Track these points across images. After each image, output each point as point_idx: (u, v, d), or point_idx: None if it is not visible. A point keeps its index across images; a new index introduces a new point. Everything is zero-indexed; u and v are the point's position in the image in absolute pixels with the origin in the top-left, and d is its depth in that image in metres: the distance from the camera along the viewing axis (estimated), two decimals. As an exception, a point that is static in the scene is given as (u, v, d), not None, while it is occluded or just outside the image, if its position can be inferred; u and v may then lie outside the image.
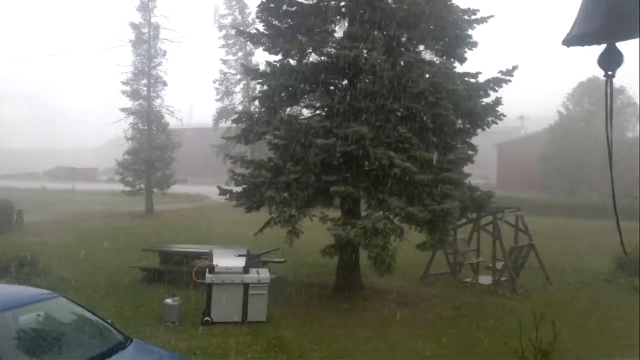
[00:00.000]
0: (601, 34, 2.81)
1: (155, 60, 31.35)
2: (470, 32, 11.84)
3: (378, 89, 10.58)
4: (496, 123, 11.89)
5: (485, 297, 12.27)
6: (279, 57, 12.30)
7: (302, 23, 11.72)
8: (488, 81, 11.59)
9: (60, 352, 5.56)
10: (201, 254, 12.39)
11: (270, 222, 11.79)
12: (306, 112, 12.63)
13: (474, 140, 12.21)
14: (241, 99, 38.57)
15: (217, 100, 38.14)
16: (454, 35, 11.70)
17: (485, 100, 11.73)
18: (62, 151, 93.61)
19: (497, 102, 11.66)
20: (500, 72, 11.50)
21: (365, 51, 10.84)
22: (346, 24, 11.98)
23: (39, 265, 11.65)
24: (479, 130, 12.03)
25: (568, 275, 14.52)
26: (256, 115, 12.55)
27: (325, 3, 12.14)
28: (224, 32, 37.83)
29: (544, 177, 39.21)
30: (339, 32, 12.21)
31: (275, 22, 12.21)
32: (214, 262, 10.02)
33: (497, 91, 11.65)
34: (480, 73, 11.61)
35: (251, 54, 36.98)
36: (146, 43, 31.08)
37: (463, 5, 11.65)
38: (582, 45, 3.00)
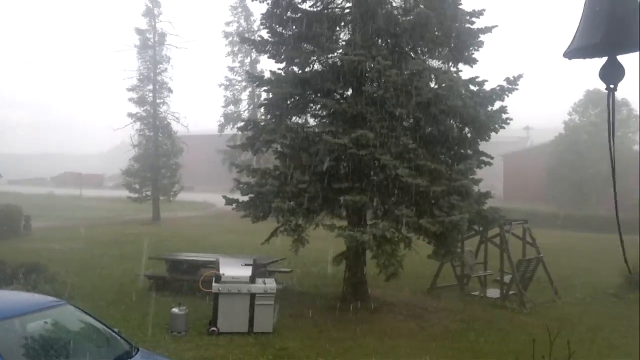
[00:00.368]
0: (602, 46, 2.82)
1: (161, 66, 31.53)
2: (477, 42, 11.80)
3: (383, 97, 10.57)
4: (503, 128, 11.73)
5: (493, 310, 12.17)
6: (284, 64, 12.33)
7: (306, 30, 11.73)
8: (493, 90, 11.54)
9: (67, 360, 5.55)
10: (208, 262, 12.39)
11: (277, 231, 11.79)
12: (312, 121, 12.61)
13: (482, 148, 12.11)
14: (247, 106, 38.65)
15: (223, 107, 38.22)
16: (460, 40, 11.66)
17: (490, 108, 11.64)
18: (68, 156, 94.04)
19: (502, 109, 11.58)
20: (506, 80, 11.45)
21: (370, 59, 10.84)
22: (350, 31, 12.00)
23: (46, 272, 11.65)
24: (484, 141, 11.95)
25: (576, 290, 14.40)
26: (262, 123, 12.56)
27: (329, 10, 12.20)
28: (229, 39, 37.96)
29: (551, 188, 39.05)
30: (343, 40, 12.24)
31: (280, 30, 12.25)
32: (221, 271, 10.00)
33: (502, 100, 11.59)
34: (486, 81, 11.55)
35: (257, 61, 37.09)
36: (151, 49, 31.27)
37: (468, 8, 11.66)
38: (583, 57, 3.01)
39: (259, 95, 33.76)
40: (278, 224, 11.68)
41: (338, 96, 11.92)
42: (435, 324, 10.84)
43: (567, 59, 3.09)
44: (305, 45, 11.98)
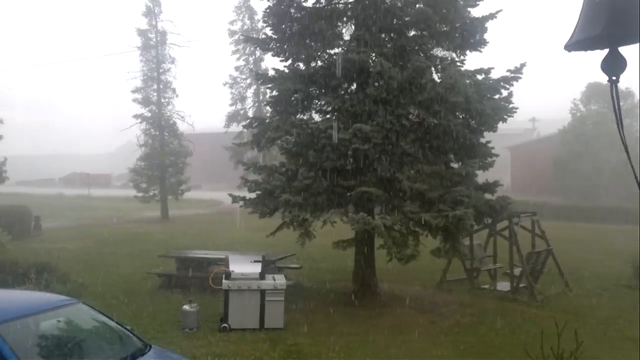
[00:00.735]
0: (603, 38, 2.81)
1: (164, 65, 31.58)
2: (481, 29, 11.74)
3: (385, 96, 10.56)
4: (511, 117, 11.66)
5: (503, 303, 12.13)
6: (288, 61, 12.32)
7: (309, 27, 11.72)
8: (498, 80, 11.47)
9: (80, 358, 5.59)
10: (217, 259, 12.44)
11: (283, 225, 11.81)
12: (317, 117, 12.60)
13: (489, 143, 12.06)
14: (252, 104, 38.69)
15: (230, 105, 38.29)
16: (462, 31, 11.60)
17: (498, 95, 11.55)
18: (76, 157, 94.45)
19: (507, 98, 11.47)
20: (509, 70, 11.37)
21: (373, 55, 10.82)
22: (353, 27, 11.98)
23: (58, 271, 11.74)
24: (490, 132, 11.88)
25: (587, 281, 14.33)
26: (267, 120, 12.58)
27: (332, 7, 12.16)
28: (234, 38, 37.97)
29: (559, 180, 38.85)
30: (346, 36, 12.22)
31: (283, 27, 12.24)
32: (230, 268, 10.03)
33: (508, 89, 11.51)
34: (493, 68, 11.46)
35: (261, 59, 37.07)
36: (154, 49, 31.31)
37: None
38: (584, 50, 3.02)
39: (264, 93, 33.80)
40: (284, 219, 11.69)
41: (342, 92, 11.90)
42: (446, 318, 10.83)
43: (567, 52, 3.09)
44: (308, 42, 11.97)
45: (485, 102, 11.02)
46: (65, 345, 5.74)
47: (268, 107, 13.61)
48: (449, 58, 11.78)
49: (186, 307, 9.73)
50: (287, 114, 12.06)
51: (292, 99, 11.91)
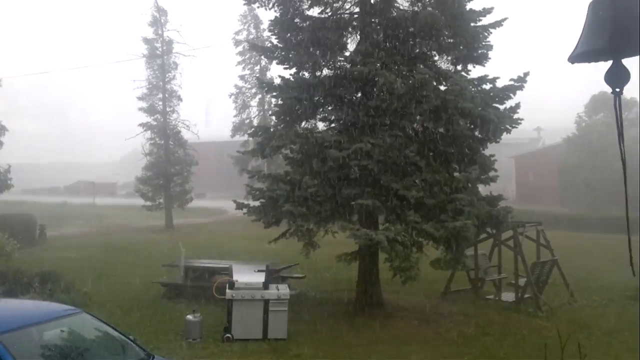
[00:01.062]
0: (607, 51, 2.84)
1: (169, 74, 31.76)
2: (486, 36, 11.76)
3: (391, 105, 10.58)
4: (515, 127, 11.67)
5: (508, 314, 12.06)
6: (293, 70, 12.37)
7: (314, 36, 11.77)
8: (502, 89, 11.48)
9: (83, 368, 5.59)
10: (221, 269, 12.44)
11: (286, 233, 11.80)
12: (321, 126, 12.63)
13: (491, 151, 12.05)
14: (257, 112, 38.84)
15: (234, 116, 38.46)
16: (470, 41, 11.63)
17: (501, 107, 11.57)
18: (81, 165, 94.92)
19: (512, 109, 11.50)
20: (513, 80, 11.38)
21: (378, 65, 10.84)
22: (358, 36, 12.03)
23: (62, 280, 11.75)
24: (496, 142, 11.87)
25: (593, 292, 14.23)
26: (272, 129, 12.61)
27: (337, 17, 12.22)
28: (239, 47, 38.17)
29: (564, 189, 38.74)
30: (352, 45, 12.27)
31: (288, 36, 12.30)
32: (234, 278, 10.02)
33: (512, 98, 11.52)
34: (498, 78, 11.48)
35: (266, 68, 37.24)
36: (159, 57, 31.51)
37: (477, 7, 11.62)
38: (588, 62, 3.05)
39: (269, 102, 33.90)
40: (289, 228, 11.69)
41: (347, 101, 11.93)
42: (450, 329, 10.77)
43: (570, 63, 3.12)
44: (313, 51, 12.01)
45: (491, 110, 11.03)
46: (68, 355, 5.73)
47: (273, 116, 13.62)
48: (453, 70, 11.79)
49: (190, 317, 9.72)
50: (291, 122, 12.09)
51: (297, 107, 11.94)
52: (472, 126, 11.23)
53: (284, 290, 10.04)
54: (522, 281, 12.99)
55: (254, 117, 38.57)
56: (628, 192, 3.34)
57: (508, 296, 13.43)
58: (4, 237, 13.67)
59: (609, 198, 35.08)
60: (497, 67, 11.70)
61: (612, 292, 14.25)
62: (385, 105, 10.58)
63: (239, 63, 38.43)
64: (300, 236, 11.34)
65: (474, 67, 12.01)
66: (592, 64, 3.09)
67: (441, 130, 11.19)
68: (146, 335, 9.26)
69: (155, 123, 31.46)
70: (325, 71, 12.21)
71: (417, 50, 11.70)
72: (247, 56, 37.80)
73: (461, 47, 11.67)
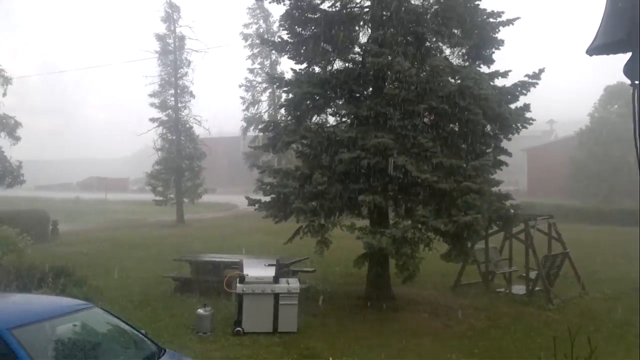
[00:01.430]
0: (626, 42, 2.79)
1: (181, 70, 31.83)
2: (496, 35, 11.69)
3: (404, 95, 10.53)
4: (525, 127, 11.69)
5: (519, 307, 12.02)
6: (304, 65, 12.35)
7: (325, 30, 11.75)
8: (516, 85, 11.43)
9: (96, 362, 5.67)
10: (232, 263, 12.46)
11: (299, 231, 11.82)
12: (332, 120, 12.63)
13: (503, 143, 12.02)
14: (267, 108, 38.84)
15: (243, 110, 38.46)
16: (480, 37, 11.56)
17: (514, 104, 11.54)
18: (94, 161, 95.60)
19: (526, 107, 11.48)
20: (527, 75, 11.33)
21: (390, 57, 10.80)
22: (370, 30, 11.98)
23: (74, 275, 11.86)
24: (507, 139, 11.86)
25: (604, 285, 14.14)
26: (282, 124, 12.62)
27: (349, 10, 12.18)
28: (249, 41, 38.10)
29: (576, 182, 38.43)
30: (363, 39, 12.23)
31: (299, 30, 12.28)
32: (245, 272, 10.07)
33: (525, 94, 11.47)
34: (510, 71, 11.43)
35: (277, 62, 37.17)
36: (172, 54, 31.60)
37: (489, 7, 11.55)
38: (607, 54, 3.01)
39: (279, 97, 33.91)
40: (299, 223, 11.72)
41: (358, 94, 11.90)
42: (460, 322, 10.76)
43: (589, 56, 3.08)
44: (324, 45, 11.99)
45: (504, 105, 10.99)
46: (80, 349, 5.80)
47: (283, 111, 13.62)
48: (463, 65, 11.74)
49: (200, 310, 9.79)
50: (302, 117, 12.08)
51: (308, 102, 11.93)
52: (484, 121, 11.19)
53: (294, 284, 10.08)
54: (533, 274, 12.94)
55: (264, 112, 38.59)
56: None
57: (519, 289, 13.39)
58: (17, 233, 13.79)
59: (621, 190, 34.79)
60: (510, 59, 11.63)
61: (624, 284, 14.12)
62: (401, 93, 10.51)
63: (248, 57, 38.37)
64: (312, 232, 11.36)
65: (488, 67, 11.95)
66: (609, 56, 3.05)
67: (454, 125, 11.14)
68: (157, 329, 9.34)
69: (166, 119, 31.61)
70: (336, 65, 12.19)
71: (428, 44, 11.64)
72: (257, 50, 37.73)
73: (472, 43, 11.61)
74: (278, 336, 9.54)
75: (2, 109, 27.67)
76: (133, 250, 19.41)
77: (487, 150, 11.59)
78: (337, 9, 12.21)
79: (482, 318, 11.03)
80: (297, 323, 9.84)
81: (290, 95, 12.20)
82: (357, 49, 12.14)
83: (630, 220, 26.31)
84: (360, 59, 11.65)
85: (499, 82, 11.54)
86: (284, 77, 12.86)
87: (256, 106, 38.70)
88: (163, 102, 31.56)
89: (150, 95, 31.46)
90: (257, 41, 32.72)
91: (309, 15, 12.19)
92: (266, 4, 35.80)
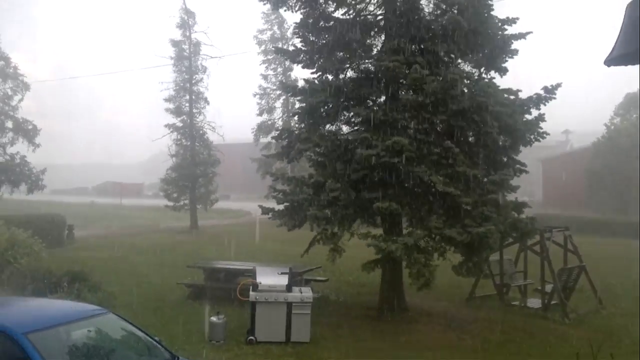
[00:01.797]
0: None
1: (196, 76, 32.05)
2: (510, 47, 11.65)
3: (419, 104, 10.51)
4: (539, 141, 11.61)
5: (534, 321, 11.87)
6: (317, 73, 12.38)
7: (339, 38, 11.78)
8: (530, 98, 11.36)
9: (109, 368, 5.68)
10: (245, 271, 12.49)
11: (314, 241, 11.80)
12: (346, 129, 12.63)
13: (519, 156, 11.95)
14: (281, 114, 38.97)
15: (258, 115, 38.59)
16: (493, 47, 11.53)
17: (528, 116, 11.46)
18: (109, 166, 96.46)
19: (540, 118, 11.38)
20: (544, 89, 11.26)
21: (405, 65, 10.80)
22: (383, 38, 11.99)
23: (89, 280, 11.94)
24: (519, 152, 11.79)
25: (622, 299, 13.91)
26: (296, 132, 12.64)
27: (362, 18, 12.21)
28: (263, 47, 38.29)
29: (592, 193, 38.00)
30: (376, 47, 12.23)
31: (313, 38, 12.32)
32: (258, 280, 10.05)
33: (539, 109, 11.40)
34: (520, 91, 11.42)
35: (290, 69, 37.32)
36: (187, 60, 31.83)
37: (501, 15, 11.52)
38: (625, 64, 2.99)
39: (293, 103, 34.00)
40: (312, 231, 11.70)
41: (371, 103, 11.89)
42: (475, 335, 10.64)
43: (607, 67, 3.06)
44: (338, 53, 12.01)
45: (517, 117, 10.92)
46: (94, 355, 5.82)
47: (296, 118, 13.66)
48: (476, 75, 11.71)
49: (213, 318, 9.78)
50: (315, 125, 12.10)
51: (322, 110, 11.94)
52: (499, 133, 11.14)
53: (307, 293, 10.04)
54: (548, 287, 12.77)
55: (277, 119, 38.71)
56: None
57: (534, 302, 13.22)
58: (30, 236, 13.90)
59: (638, 202, 34.32)
60: (525, 68, 11.58)
61: (643, 299, 13.91)
62: (419, 100, 10.48)
63: (262, 62, 38.55)
64: (325, 240, 11.35)
65: (501, 76, 11.92)
66: (623, 67, 3.02)
67: (470, 136, 11.10)
68: (170, 336, 9.31)
69: (181, 124, 31.81)
70: (350, 73, 12.20)
71: (442, 54, 11.62)
72: (271, 56, 37.91)
73: (486, 51, 11.58)
74: (291, 346, 9.50)
75: (20, 113, 28.17)
76: (147, 256, 19.51)
77: (504, 159, 11.50)
78: (351, 17, 12.25)
79: (497, 332, 10.89)
80: (310, 333, 9.79)
81: (304, 104, 12.23)
82: (371, 57, 12.14)
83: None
84: (374, 67, 11.64)
85: (513, 93, 11.48)
86: (298, 85, 12.89)
87: (270, 113, 38.87)
88: (178, 108, 31.79)
89: (166, 101, 31.72)
90: (272, 48, 32.91)
91: (323, 24, 12.25)
92: (281, 11, 36.41)
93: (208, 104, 32.41)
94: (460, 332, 10.81)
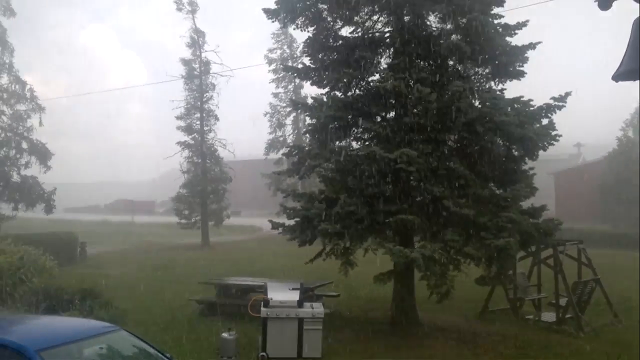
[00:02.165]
0: None
1: (207, 94, 32.37)
2: (519, 57, 11.65)
3: (425, 120, 10.53)
4: (552, 144, 11.47)
5: (548, 335, 11.71)
6: (326, 90, 12.47)
7: (347, 56, 11.90)
8: (540, 108, 11.32)
9: (121, 385, 5.68)
10: (256, 287, 12.49)
11: (322, 253, 11.80)
12: (355, 145, 12.67)
13: (530, 167, 11.86)
14: (291, 131, 39.20)
15: (269, 133, 38.89)
16: (503, 56, 11.53)
17: (538, 125, 11.39)
18: (120, 184, 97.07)
19: (551, 124, 11.30)
20: (553, 98, 11.22)
21: (411, 82, 10.84)
22: (391, 55, 12.05)
23: (101, 297, 12.00)
24: (532, 159, 11.70)
25: (637, 312, 13.70)
26: (307, 148, 12.69)
27: (370, 36, 12.31)
28: (273, 66, 38.67)
29: (606, 207, 37.63)
30: (384, 64, 12.31)
31: (321, 56, 12.43)
32: (269, 296, 10.04)
33: (550, 117, 11.35)
34: (532, 100, 11.35)
35: (300, 86, 37.65)
36: (197, 78, 32.17)
37: (513, 20, 11.55)
38: (633, 80, 3.00)
39: (303, 120, 34.21)
40: (324, 247, 11.69)
41: (380, 119, 11.93)
42: (489, 350, 10.51)
43: (615, 82, 3.06)
44: (346, 70, 12.11)
45: (528, 127, 10.88)
46: (106, 372, 5.83)
47: (307, 135, 13.73)
48: (487, 86, 11.73)
49: (225, 334, 9.76)
50: (325, 141, 12.14)
51: (331, 126, 12.00)
52: (509, 143, 11.11)
53: (318, 308, 10.00)
54: (562, 301, 12.62)
55: (288, 135, 38.93)
56: None
57: (548, 316, 13.06)
58: (41, 254, 13.97)
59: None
60: (534, 81, 11.55)
61: (659, 313, 13.69)
62: (420, 119, 10.53)
63: (272, 80, 38.93)
64: (338, 255, 11.34)
65: (510, 80, 11.91)
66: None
67: (477, 147, 11.08)
68: (182, 352, 9.34)
69: (192, 142, 32.07)
70: (358, 90, 12.27)
71: (450, 68, 11.66)
72: (281, 74, 38.29)
73: (496, 62, 11.60)
74: (303, 361, 9.44)
75: (35, 134, 28.55)
76: (159, 273, 19.57)
77: (515, 170, 11.43)
78: (359, 35, 12.37)
79: (510, 346, 10.75)
80: (322, 348, 9.73)
81: (314, 120, 12.30)
82: (378, 74, 12.20)
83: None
84: (378, 84, 11.70)
85: (524, 103, 11.44)
86: (307, 102, 13.00)
87: (281, 129, 39.12)
88: (189, 126, 32.08)
89: (177, 119, 32.03)
90: (281, 66, 33.23)
91: (331, 42, 12.37)
92: (290, 30, 36.81)
93: (218, 120, 32.72)
94: (474, 346, 10.69)
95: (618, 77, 3.03)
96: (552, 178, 45.23)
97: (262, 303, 9.94)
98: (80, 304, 11.43)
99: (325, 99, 12.07)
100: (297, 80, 36.67)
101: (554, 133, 11.24)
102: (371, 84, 12.04)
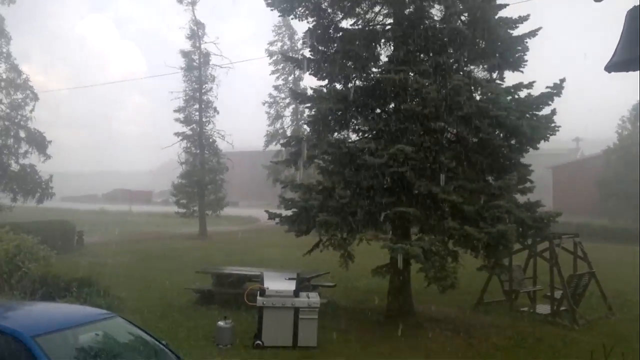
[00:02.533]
0: None
1: (206, 86, 32.31)
2: (521, 47, 11.61)
3: (424, 112, 10.52)
4: (554, 135, 11.44)
5: (543, 327, 11.79)
6: (326, 81, 12.44)
7: (347, 48, 11.85)
8: (538, 97, 11.29)
9: (117, 371, 5.70)
10: (252, 276, 12.53)
11: (319, 244, 11.83)
12: (354, 137, 12.66)
13: (528, 161, 11.85)
14: (290, 122, 39.16)
15: (268, 125, 38.86)
16: (504, 47, 11.50)
17: (538, 113, 11.35)
18: (119, 174, 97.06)
19: (550, 115, 11.26)
20: (549, 87, 11.18)
21: (411, 74, 10.82)
22: (392, 47, 12.02)
23: (98, 285, 12.01)
24: (532, 152, 11.70)
25: (632, 306, 13.76)
26: (304, 139, 12.67)
27: (370, 28, 12.26)
28: (273, 57, 38.60)
29: (603, 201, 37.74)
30: (384, 56, 12.28)
31: (321, 48, 12.40)
32: (265, 285, 10.08)
33: (549, 105, 11.31)
34: (534, 82, 11.27)
35: (300, 78, 37.55)
36: (196, 70, 32.08)
37: (512, 15, 11.50)
38: (626, 71, 2.99)
39: (302, 112, 34.17)
40: (321, 238, 11.72)
41: (379, 111, 11.92)
42: (483, 341, 10.58)
43: (607, 73, 3.06)
44: (346, 62, 12.07)
45: (524, 120, 10.86)
46: (101, 358, 5.85)
47: (306, 126, 13.72)
48: (488, 77, 11.70)
49: (221, 323, 9.81)
50: (324, 132, 12.13)
51: (330, 118, 11.99)
52: (508, 135, 11.10)
53: (314, 298, 10.04)
54: (557, 293, 12.69)
55: (287, 127, 38.90)
56: None
57: (543, 308, 13.14)
58: (37, 242, 13.98)
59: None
60: (535, 76, 11.49)
61: (653, 306, 13.76)
62: (419, 110, 10.52)
63: (272, 72, 38.86)
64: (335, 246, 11.36)
65: (512, 72, 11.87)
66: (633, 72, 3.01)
67: (474, 140, 11.09)
68: (178, 340, 9.37)
69: (191, 133, 32.05)
70: (358, 82, 12.24)
71: (451, 60, 11.63)
72: (281, 66, 38.22)
73: (496, 54, 11.57)
74: (298, 351, 9.49)
75: (33, 123, 28.52)
76: (156, 262, 19.60)
77: (511, 162, 11.44)
78: (360, 27, 12.32)
79: (505, 337, 10.83)
80: (317, 338, 9.77)
81: (313, 112, 12.28)
82: (378, 66, 12.18)
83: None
84: (379, 76, 11.68)
85: (523, 93, 11.42)
86: (307, 94, 12.96)
87: (279, 121, 39.08)
88: (188, 117, 32.04)
89: (176, 111, 32.00)
90: (282, 58, 33.14)
91: (331, 33, 12.33)
92: (291, 22, 36.69)
93: (217, 112, 32.67)
94: (468, 337, 10.75)
95: (611, 67, 3.03)
96: (550, 172, 45.32)
97: (258, 292, 9.98)
98: (77, 291, 11.46)
99: (324, 91, 12.06)
100: (297, 72, 36.57)
101: (552, 125, 11.22)
102: (372, 75, 12.02)
